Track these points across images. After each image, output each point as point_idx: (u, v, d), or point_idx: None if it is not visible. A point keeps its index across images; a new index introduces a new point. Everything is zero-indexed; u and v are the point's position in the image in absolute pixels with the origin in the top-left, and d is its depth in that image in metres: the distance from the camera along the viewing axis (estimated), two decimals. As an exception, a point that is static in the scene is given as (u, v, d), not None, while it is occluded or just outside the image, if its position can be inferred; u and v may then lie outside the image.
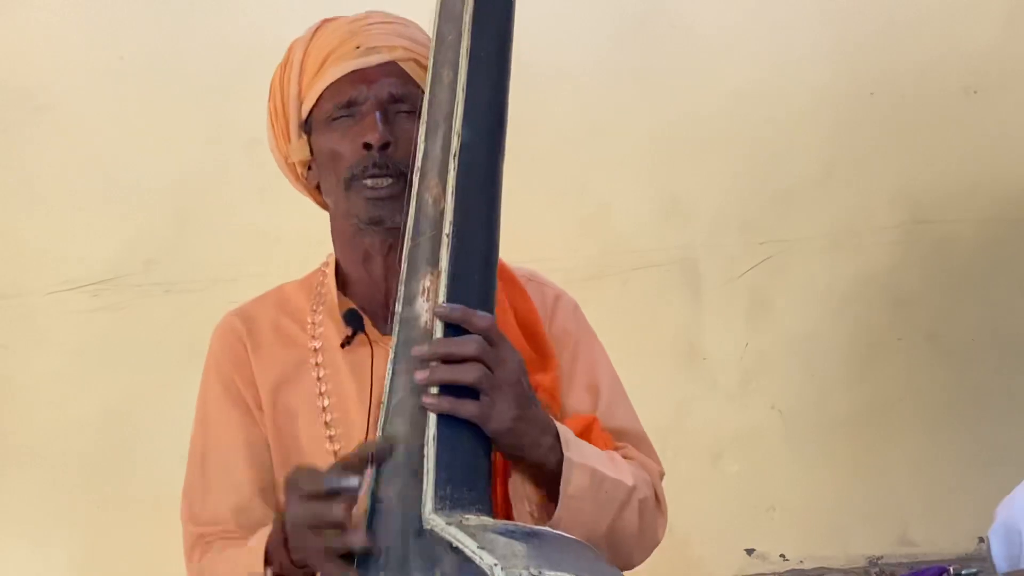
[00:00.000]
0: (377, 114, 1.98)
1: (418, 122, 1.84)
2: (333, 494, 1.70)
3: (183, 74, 3.51)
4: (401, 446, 1.71)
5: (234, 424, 2.04)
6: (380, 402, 1.89)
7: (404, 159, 1.95)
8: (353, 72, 2.00)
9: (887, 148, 3.86)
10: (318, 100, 2.03)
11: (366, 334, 2.02)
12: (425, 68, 1.97)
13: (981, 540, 3.71)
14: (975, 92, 3.87)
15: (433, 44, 1.83)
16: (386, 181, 1.98)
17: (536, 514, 1.84)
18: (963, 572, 3.36)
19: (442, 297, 1.73)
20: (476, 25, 1.79)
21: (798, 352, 3.85)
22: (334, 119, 2.01)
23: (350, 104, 2.00)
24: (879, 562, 3.89)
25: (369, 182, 1.98)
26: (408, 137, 1.95)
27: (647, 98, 3.78)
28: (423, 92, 1.97)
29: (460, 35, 1.79)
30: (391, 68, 2.01)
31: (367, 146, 1.98)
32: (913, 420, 3.90)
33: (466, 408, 1.72)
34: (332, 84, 2.01)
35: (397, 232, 1.97)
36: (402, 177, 1.96)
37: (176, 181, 3.53)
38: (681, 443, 3.67)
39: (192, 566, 2.05)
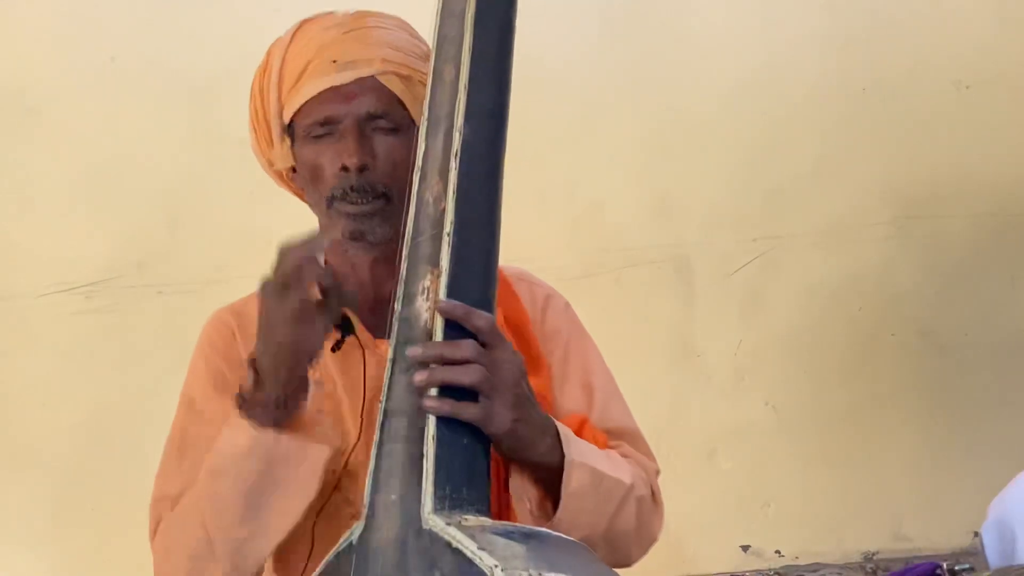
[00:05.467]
0: (354, 135, 1.97)
1: (419, 121, 1.83)
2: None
3: (174, 75, 3.50)
4: (400, 446, 1.71)
5: (219, 412, 2.01)
6: (373, 405, 1.89)
7: (382, 179, 1.97)
8: (330, 89, 1.99)
9: (879, 144, 3.86)
10: (297, 112, 2.01)
11: (357, 337, 2.01)
12: (407, 79, 1.99)
13: (976, 535, 3.72)
14: (966, 87, 3.87)
15: (435, 42, 1.81)
16: (366, 201, 1.98)
17: (536, 513, 1.85)
18: (956, 568, 3.37)
19: (442, 297, 1.73)
20: (478, 23, 1.78)
21: (792, 348, 3.86)
22: (313, 135, 2.00)
23: (327, 122, 1.99)
24: (874, 557, 3.89)
25: (349, 200, 1.98)
26: (387, 154, 1.97)
27: (638, 95, 3.78)
28: (403, 105, 1.99)
29: (462, 33, 1.78)
30: (369, 83, 1.99)
31: (345, 168, 1.98)
32: (907, 415, 3.91)
33: (467, 411, 1.71)
34: (310, 99, 2.00)
35: (381, 247, 1.99)
36: (382, 197, 1.97)
37: (168, 182, 3.53)
38: (675, 440, 3.67)
39: (156, 539, 2.01)
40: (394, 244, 1.90)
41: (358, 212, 1.98)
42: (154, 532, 2.02)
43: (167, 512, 1.99)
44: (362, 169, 1.97)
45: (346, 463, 1.97)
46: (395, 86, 2.00)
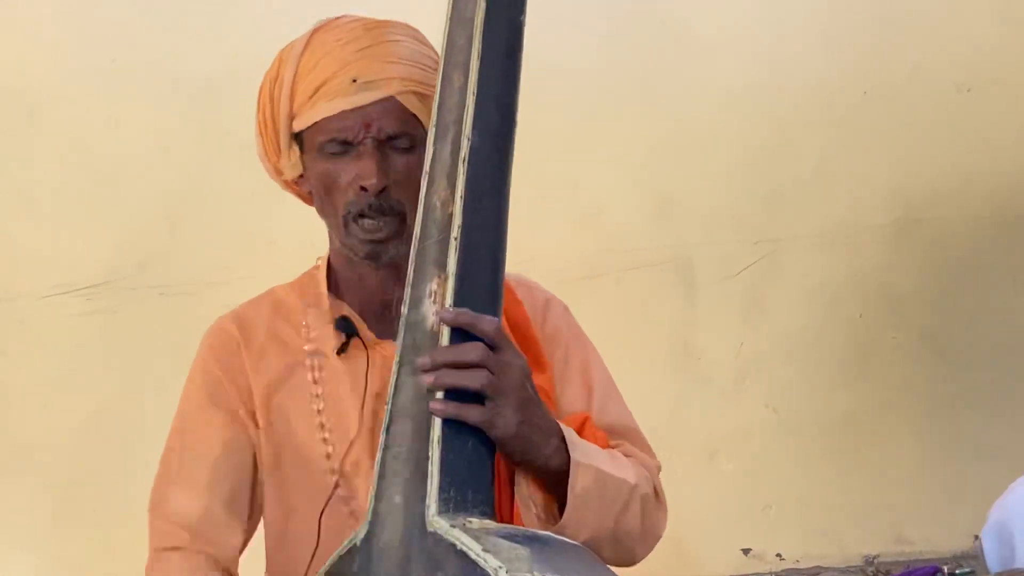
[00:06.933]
0: (374, 156, 1.97)
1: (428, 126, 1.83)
2: None
3: (176, 76, 3.50)
4: (405, 448, 1.72)
5: (214, 426, 2.03)
6: (374, 404, 1.93)
7: (401, 199, 1.97)
8: (349, 109, 1.97)
9: (880, 146, 3.87)
10: (311, 126, 2.00)
11: (360, 338, 2.02)
12: (424, 97, 1.98)
13: (976, 538, 3.72)
14: (968, 90, 3.88)
15: (444, 47, 1.81)
16: (383, 222, 1.98)
17: (543, 515, 1.85)
18: (957, 571, 3.37)
19: (449, 300, 1.73)
20: (487, 29, 1.79)
21: (793, 351, 3.86)
22: (329, 152, 1.99)
23: (345, 142, 1.98)
24: (875, 561, 3.89)
25: (367, 223, 1.98)
26: (405, 174, 1.97)
27: (640, 97, 3.78)
28: (420, 123, 1.97)
29: (471, 39, 1.78)
30: (389, 104, 1.98)
31: (364, 188, 1.97)
32: (908, 418, 3.91)
33: (472, 414, 1.72)
34: (326, 117, 1.98)
35: (393, 264, 2.00)
36: (399, 216, 1.98)
37: (169, 183, 3.53)
38: (676, 442, 3.67)
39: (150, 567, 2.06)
40: (402, 257, 1.91)
41: (374, 237, 1.98)
42: (151, 553, 2.06)
43: (162, 555, 2.03)
44: (382, 190, 1.97)
45: (343, 462, 1.99)
46: (413, 105, 1.99)
